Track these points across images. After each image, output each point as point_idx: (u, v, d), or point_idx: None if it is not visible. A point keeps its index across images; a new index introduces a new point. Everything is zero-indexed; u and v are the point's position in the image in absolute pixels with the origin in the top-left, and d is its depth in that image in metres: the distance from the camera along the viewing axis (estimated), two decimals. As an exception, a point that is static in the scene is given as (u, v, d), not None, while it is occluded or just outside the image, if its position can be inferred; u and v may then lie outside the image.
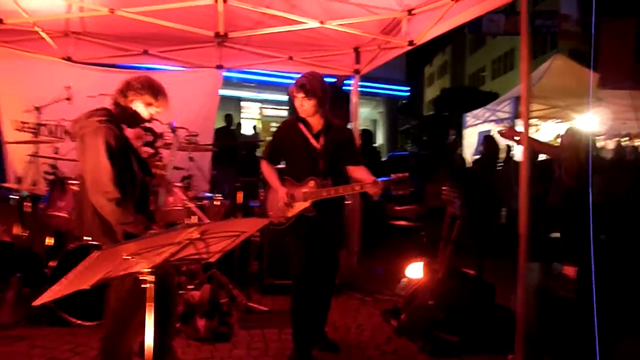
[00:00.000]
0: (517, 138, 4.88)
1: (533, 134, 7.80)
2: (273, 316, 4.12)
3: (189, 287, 4.11)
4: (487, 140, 7.50)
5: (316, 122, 3.29)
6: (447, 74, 43.79)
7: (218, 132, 8.76)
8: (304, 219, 3.19)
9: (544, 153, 5.91)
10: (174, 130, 3.18)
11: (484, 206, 6.52)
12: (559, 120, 9.45)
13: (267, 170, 3.37)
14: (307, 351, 3.20)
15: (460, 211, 3.78)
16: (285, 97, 17.60)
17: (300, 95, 3.17)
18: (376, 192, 3.11)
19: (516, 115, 8.87)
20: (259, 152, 10.54)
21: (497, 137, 7.77)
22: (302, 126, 3.29)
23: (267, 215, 3.30)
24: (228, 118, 10.06)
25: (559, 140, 9.04)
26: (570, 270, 3.23)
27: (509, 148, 8.85)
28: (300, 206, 3.19)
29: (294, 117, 3.37)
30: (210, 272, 4.28)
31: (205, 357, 3.32)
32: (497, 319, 3.55)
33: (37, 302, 1.53)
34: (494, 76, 33.69)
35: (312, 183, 3.18)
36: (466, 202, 3.78)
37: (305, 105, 3.19)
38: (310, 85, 3.15)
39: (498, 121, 9.65)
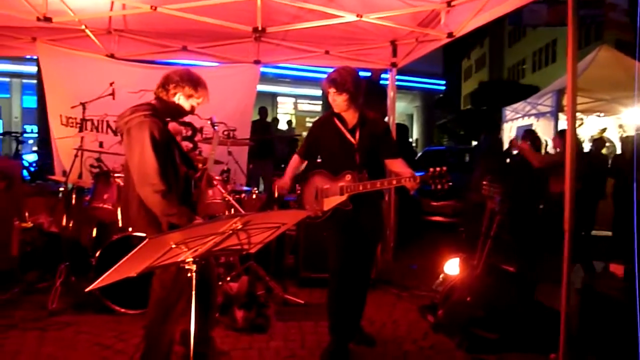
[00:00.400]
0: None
1: (577, 128, 7.55)
2: (309, 309, 4.15)
3: (227, 278, 4.19)
4: (528, 135, 7.29)
5: (351, 117, 3.27)
6: (485, 67, 42.82)
7: (253, 125, 8.86)
8: (340, 213, 3.19)
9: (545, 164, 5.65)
10: (214, 125, 3.24)
11: (525, 202, 6.36)
12: (604, 114, 9.11)
13: (290, 163, 3.47)
14: (344, 344, 3.21)
15: (500, 207, 3.71)
16: (319, 92, 17.62)
17: (332, 90, 3.16)
18: (413, 186, 3.07)
19: (558, 108, 8.61)
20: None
21: (539, 132, 7.59)
22: (337, 121, 3.28)
23: (302, 208, 3.32)
24: (262, 111, 10.11)
25: (604, 135, 8.77)
26: (618, 269, 3.12)
27: (547, 143, 8.61)
28: (336, 200, 3.18)
29: (329, 112, 3.37)
30: (247, 264, 4.35)
31: (244, 347, 3.38)
32: (539, 317, 3.47)
33: (90, 287, 1.59)
34: (534, 69, 32.73)
35: (348, 177, 3.17)
36: (507, 197, 3.69)
37: (338, 100, 3.18)
38: (342, 79, 3.13)
39: (539, 115, 9.39)
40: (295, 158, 3.50)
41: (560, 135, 5.84)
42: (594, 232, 7.35)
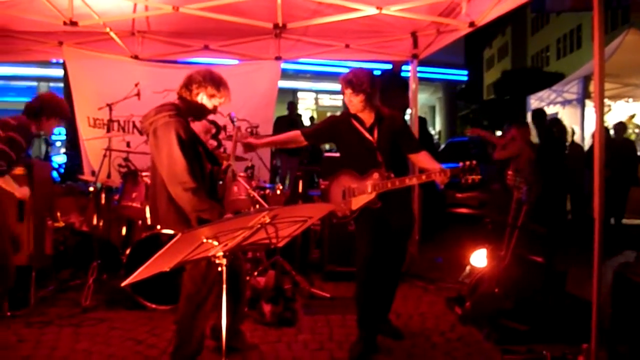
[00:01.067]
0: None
1: (605, 114, 7.37)
2: (336, 302, 4.17)
3: (254, 273, 4.24)
4: (554, 123, 7.16)
5: (367, 116, 3.27)
6: (507, 56, 42.04)
7: (279, 120, 8.92)
8: (369, 211, 3.18)
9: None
10: (233, 120, 3.28)
11: (554, 191, 6.26)
12: (632, 99, 8.88)
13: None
14: (372, 337, 3.23)
15: (527, 196, 3.66)
16: (339, 87, 17.60)
17: (349, 91, 3.17)
18: (444, 180, 3.04)
19: (585, 95, 8.42)
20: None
21: (566, 120, 7.45)
22: (354, 122, 3.28)
23: None
24: (290, 106, 10.09)
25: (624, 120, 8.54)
26: (650, 256, 3.06)
27: (573, 131, 8.43)
28: (364, 199, 3.17)
29: (346, 113, 3.36)
30: (273, 258, 4.39)
31: (272, 340, 3.42)
32: (569, 307, 3.43)
33: (125, 282, 1.64)
34: (559, 56, 31.99)
35: (376, 175, 3.16)
36: (534, 187, 3.64)
37: (354, 101, 3.18)
38: (358, 80, 3.13)
39: (565, 103, 9.20)
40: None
41: (519, 125, 5.55)
42: (625, 221, 7.20)
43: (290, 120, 9.60)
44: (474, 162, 3.00)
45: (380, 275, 3.24)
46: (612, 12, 20.31)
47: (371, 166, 3.19)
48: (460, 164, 3.01)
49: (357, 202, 3.20)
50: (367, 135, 3.25)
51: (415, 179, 3.21)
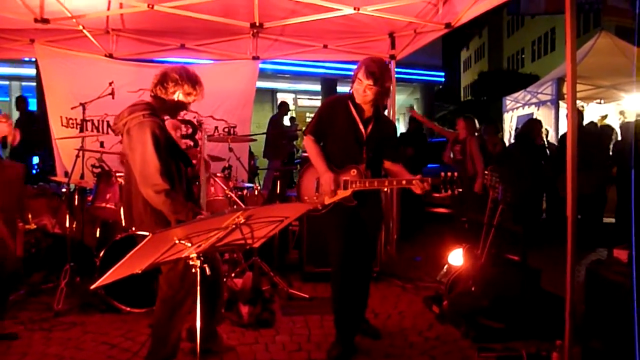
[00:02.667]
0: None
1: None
2: (314, 303, 4.16)
3: (231, 275, 4.20)
4: (525, 124, 7.28)
5: (367, 109, 3.18)
6: (484, 57, 42.68)
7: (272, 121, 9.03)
8: (341, 207, 3.12)
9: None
10: (200, 124, 3.23)
11: (528, 191, 6.36)
12: (604, 101, 9.09)
13: (313, 149, 3.18)
14: (350, 337, 3.21)
15: (503, 196, 3.70)
16: (319, 87, 17.57)
17: (369, 82, 3.02)
18: (423, 189, 2.99)
19: (559, 96, 8.60)
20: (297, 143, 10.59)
21: (543, 118, 7.59)
22: (352, 109, 3.17)
23: (301, 198, 3.23)
24: (283, 106, 10.03)
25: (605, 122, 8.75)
26: (621, 254, 3.12)
27: (547, 131, 8.60)
28: (340, 194, 3.10)
29: (345, 96, 3.22)
30: (251, 260, 4.35)
31: (250, 342, 3.38)
32: (544, 304, 3.48)
33: (94, 285, 1.60)
34: (533, 58, 32.61)
35: (354, 171, 3.09)
36: (509, 186, 3.68)
37: (369, 93, 3.06)
38: (381, 75, 3.02)
39: (539, 104, 9.37)
40: (314, 142, 3.20)
41: (464, 118, 6.26)
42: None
43: (278, 123, 9.58)
44: (456, 174, 2.98)
45: (354, 275, 3.20)
46: (584, 16, 20.78)
47: (352, 159, 3.12)
48: (442, 174, 2.98)
49: (332, 197, 3.10)
50: (361, 126, 3.16)
51: (395, 182, 3.15)
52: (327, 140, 3.24)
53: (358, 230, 3.19)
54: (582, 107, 8.97)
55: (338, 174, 3.12)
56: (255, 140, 5.71)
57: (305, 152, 8.96)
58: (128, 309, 3.78)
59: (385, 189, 3.27)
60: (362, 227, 3.22)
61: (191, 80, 2.78)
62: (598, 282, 3.12)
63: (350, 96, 3.19)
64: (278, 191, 5.11)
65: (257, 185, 5.17)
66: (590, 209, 6.59)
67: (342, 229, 3.15)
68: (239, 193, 4.63)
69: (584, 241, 5.79)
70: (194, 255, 1.67)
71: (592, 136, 7.00)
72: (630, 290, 2.60)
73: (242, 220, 1.60)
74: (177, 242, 1.51)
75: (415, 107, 23.88)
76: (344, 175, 3.12)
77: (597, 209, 6.86)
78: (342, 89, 16.08)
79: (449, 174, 2.99)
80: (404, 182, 3.08)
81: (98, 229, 4.79)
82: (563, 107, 8.61)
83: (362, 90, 3.08)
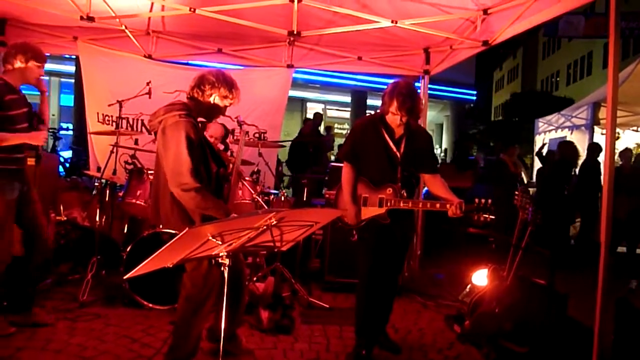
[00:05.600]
0: None
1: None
2: (334, 313, 4.14)
3: (253, 279, 4.21)
4: (563, 146, 7.14)
5: (398, 129, 3.21)
6: (517, 78, 42.16)
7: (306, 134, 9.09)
8: (376, 224, 3.15)
9: None
10: (240, 124, 3.28)
11: (559, 214, 6.23)
12: (640, 129, 8.88)
13: (347, 177, 3.25)
14: (369, 348, 3.19)
15: (532, 217, 3.63)
16: (348, 99, 17.63)
17: (402, 113, 3.05)
18: (456, 214, 3.00)
19: (594, 121, 8.42)
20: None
21: (577, 143, 7.45)
22: (383, 130, 3.20)
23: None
24: (316, 117, 10.08)
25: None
26: (651, 283, 3.02)
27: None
28: (374, 211, 3.14)
29: (377, 117, 3.26)
30: (273, 265, 4.37)
31: (268, 347, 3.38)
32: (570, 332, 3.38)
33: (128, 275, 1.63)
34: (568, 82, 32.06)
35: (390, 190, 3.13)
36: (539, 208, 3.62)
37: (397, 120, 3.10)
38: (415, 107, 3.06)
39: (573, 127, 9.20)
40: (350, 170, 3.25)
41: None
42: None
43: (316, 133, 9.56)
44: (489, 200, 3.00)
45: (381, 287, 3.21)
46: (624, 41, 20.37)
47: (389, 179, 3.15)
48: (476, 201, 3.01)
49: (366, 213, 3.17)
50: (394, 147, 3.18)
51: (429, 204, 3.17)
52: (361, 161, 3.27)
53: (389, 245, 3.19)
54: (619, 133, 8.77)
55: (375, 192, 3.17)
56: (284, 146, 5.75)
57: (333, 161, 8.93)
58: (150, 305, 3.82)
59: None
60: (393, 243, 3.22)
61: (228, 83, 2.82)
62: (629, 312, 3.02)
63: (381, 117, 3.22)
64: (305, 198, 5.13)
65: (284, 191, 5.19)
66: (624, 235, 6.42)
67: (373, 242, 3.16)
68: (266, 198, 4.66)
69: (616, 269, 5.63)
70: (224, 253, 1.69)
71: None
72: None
73: (274, 222, 1.61)
74: (210, 238, 1.53)
75: (444, 124, 23.75)
76: (380, 192, 3.16)
77: (631, 236, 6.67)
78: (372, 101, 16.12)
79: (483, 201, 3.01)
80: (437, 205, 3.10)
81: (126, 225, 4.89)
82: (598, 132, 8.42)
83: (397, 120, 3.11)
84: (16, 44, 3.30)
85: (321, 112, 18.75)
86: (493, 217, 3.03)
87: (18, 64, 3.21)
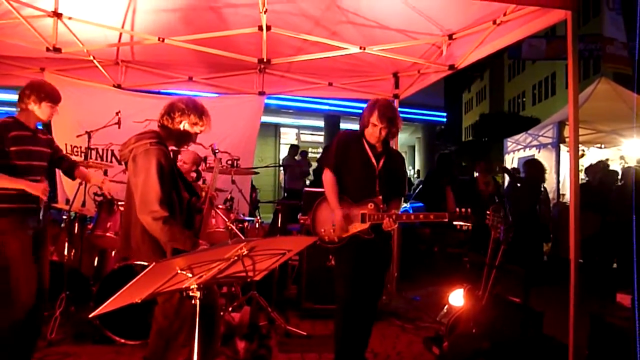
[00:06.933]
0: None
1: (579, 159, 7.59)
2: (312, 341, 4.08)
3: (229, 309, 4.13)
4: (530, 165, 7.31)
5: (378, 146, 3.28)
6: (485, 100, 43.35)
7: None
8: (357, 241, 3.15)
9: None
10: (215, 152, 3.26)
11: (530, 232, 6.33)
12: (605, 146, 9.17)
13: (330, 184, 3.24)
14: (348, 377, 3.15)
15: (505, 236, 3.68)
16: (321, 123, 17.76)
17: (383, 125, 3.13)
18: (442, 222, 3.12)
19: (560, 140, 8.67)
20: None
21: (543, 161, 7.64)
22: (366, 145, 3.26)
23: (315, 232, 3.25)
24: (292, 148, 10.33)
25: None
26: (624, 298, 3.08)
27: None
28: (357, 227, 3.14)
29: (357, 133, 3.31)
30: (249, 294, 4.30)
31: (245, 379, 3.31)
32: (546, 348, 3.41)
33: (94, 313, 1.57)
34: (534, 102, 33.13)
35: (371, 205, 3.14)
36: (511, 227, 3.67)
37: (381, 135, 3.17)
38: (395, 119, 3.16)
39: (540, 146, 9.45)
40: (332, 178, 3.25)
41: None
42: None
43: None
44: (469, 210, 3.06)
45: (360, 312, 3.19)
46: (584, 62, 21.21)
47: (367, 193, 3.17)
48: (457, 210, 3.07)
49: (349, 230, 3.15)
50: (374, 161, 3.23)
51: (422, 216, 3.22)
52: (342, 173, 3.28)
53: (367, 267, 3.18)
54: (583, 151, 9.04)
55: (356, 207, 3.16)
56: (257, 173, 5.73)
57: (308, 187, 8.92)
58: (122, 340, 3.70)
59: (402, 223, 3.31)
60: (372, 264, 3.21)
61: (197, 110, 2.81)
62: (602, 327, 3.07)
63: (362, 133, 3.28)
64: (279, 224, 5.10)
65: (258, 218, 5.16)
66: (595, 251, 6.54)
67: (351, 264, 3.15)
68: (240, 225, 4.62)
69: (589, 284, 5.71)
70: (194, 286, 1.65)
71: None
72: (634, 335, 2.56)
73: (245, 252, 1.59)
74: (179, 272, 1.50)
75: (416, 146, 24.13)
76: (362, 208, 3.15)
77: (602, 252, 6.80)
78: (345, 125, 16.27)
79: (464, 210, 3.07)
80: (432, 216, 3.17)
81: (96, 258, 4.75)
82: (564, 149, 8.67)
83: (376, 132, 3.17)
84: (32, 84, 3.24)
85: (294, 136, 18.87)
86: (471, 225, 3.10)
87: (32, 105, 3.17)
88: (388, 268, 3.51)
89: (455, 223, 3.18)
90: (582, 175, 7.98)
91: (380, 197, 3.17)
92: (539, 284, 5.56)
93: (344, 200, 3.21)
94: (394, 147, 5.57)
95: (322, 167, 3.36)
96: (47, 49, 4.16)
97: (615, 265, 7.05)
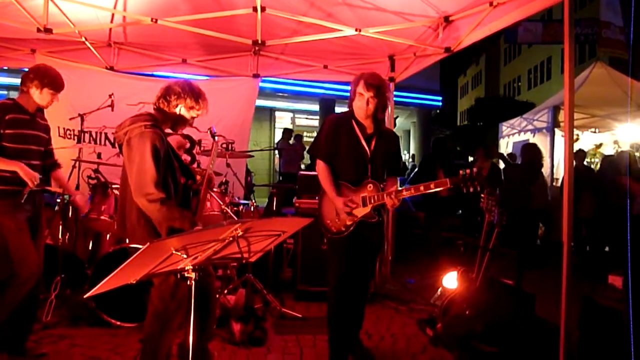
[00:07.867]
0: None
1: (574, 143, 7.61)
2: (307, 322, 4.11)
3: (224, 291, 4.15)
4: (527, 149, 7.33)
5: (369, 125, 3.19)
6: (481, 84, 43.25)
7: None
8: (364, 226, 3.09)
9: None
10: (213, 135, 3.24)
11: (525, 215, 6.37)
12: (599, 130, 9.20)
13: (324, 175, 3.17)
14: (344, 356, 3.18)
15: (499, 219, 3.70)
16: (317, 107, 17.67)
17: (370, 94, 3.05)
18: (446, 190, 2.96)
19: (554, 124, 8.68)
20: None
21: (539, 145, 7.65)
22: (355, 126, 3.17)
23: (324, 226, 3.19)
24: (286, 132, 10.35)
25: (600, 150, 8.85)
26: (616, 280, 3.11)
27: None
28: (360, 212, 3.07)
29: (347, 114, 3.23)
30: (244, 277, 4.32)
31: (241, 360, 3.33)
32: (538, 330, 3.45)
33: (88, 294, 1.57)
34: (529, 86, 33.08)
35: (370, 186, 3.07)
36: (505, 210, 3.69)
37: (370, 105, 3.07)
38: (382, 86, 3.07)
39: (535, 130, 9.47)
40: (326, 168, 3.18)
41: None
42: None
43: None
44: (474, 169, 2.88)
45: (353, 294, 3.20)
46: (580, 46, 21.16)
47: (359, 176, 3.11)
48: (461, 173, 2.90)
49: (353, 216, 3.08)
50: (364, 143, 3.15)
51: (422, 187, 2.97)
52: (334, 160, 3.21)
53: (360, 250, 3.16)
54: (577, 135, 9.07)
55: (355, 192, 3.11)
56: (252, 156, 5.71)
57: (303, 170, 8.92)
58: (118, 323, 3.72)
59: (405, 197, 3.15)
60: (364, 247, 3.19)
61: (194, 94, 2.79)
62: (593, 309, 3.11)
63: (351, 114, 3.21)
64: (274, 208, 5.10)
65: (253, 201, 5.15)
66: (589, 233, 6.61)
67: (344, 251, 3.12)
68: (235, 209, 4.61)
69: (582, 267, 5.78)
70: (189, 267, 1.65)
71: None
72: (626, 316, 2.59)
73: (240, 233, 1.58)
74: (173, 252, 1.50)
75: (411, 130, 24.12)
76: (362, 191, 3.09)
77: (595, 235, 6.87)
78: (340, 109, 16.19)
79: (468, 171, 2.88)
80: (432, 185, 2.94)
81: (90, 242, 4.75)
82: (558, 134, 8.69)
83: (364, 103, 3.09)
84: (38, 68, 3.21)
85: (289, 120, 18.79)
86: (483, 184, 2.86)
87: (33, 89, 3.14)
88: (380, 250, 3.48)
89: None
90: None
91: (373, 179, 3.11)
92: (532, 267, 5.62)
93: (342, 186, 3.15)
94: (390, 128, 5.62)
95: (314, 158, 3.29)
96: (38, 30, 4.09)
97: (607, 249, 7.14)
